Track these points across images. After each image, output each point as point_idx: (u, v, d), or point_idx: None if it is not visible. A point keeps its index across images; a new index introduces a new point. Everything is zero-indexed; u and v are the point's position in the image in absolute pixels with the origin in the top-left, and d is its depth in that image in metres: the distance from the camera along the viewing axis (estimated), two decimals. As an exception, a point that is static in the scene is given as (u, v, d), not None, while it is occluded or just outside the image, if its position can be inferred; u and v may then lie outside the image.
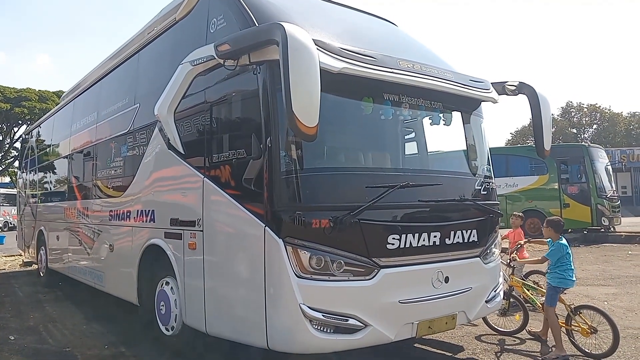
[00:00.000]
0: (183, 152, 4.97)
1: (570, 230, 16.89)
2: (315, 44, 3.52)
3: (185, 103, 4.84)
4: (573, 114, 51.79)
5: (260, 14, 4.22)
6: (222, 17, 4.60)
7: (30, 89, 40.82)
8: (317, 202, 3.94)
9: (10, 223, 30.35)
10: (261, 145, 3.92)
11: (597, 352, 5.06)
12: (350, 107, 4.33)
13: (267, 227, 3.84)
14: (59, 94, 41.44)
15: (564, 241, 5.32)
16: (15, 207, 27.99)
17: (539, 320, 5.96)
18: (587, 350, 5.13)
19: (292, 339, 3.77)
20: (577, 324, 5.25)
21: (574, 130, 50.40)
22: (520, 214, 6.92)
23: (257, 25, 4.09)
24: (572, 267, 5.30)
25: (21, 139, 16.80)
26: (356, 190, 4.07)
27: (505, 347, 5.53)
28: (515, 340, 5.77)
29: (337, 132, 4.33)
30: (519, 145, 37.57)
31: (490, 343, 5.65)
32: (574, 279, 5.29)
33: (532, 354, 5.29)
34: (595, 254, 13.44)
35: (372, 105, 4.29)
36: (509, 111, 65.64)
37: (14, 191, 31.40)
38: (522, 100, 5.23)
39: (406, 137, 5.26)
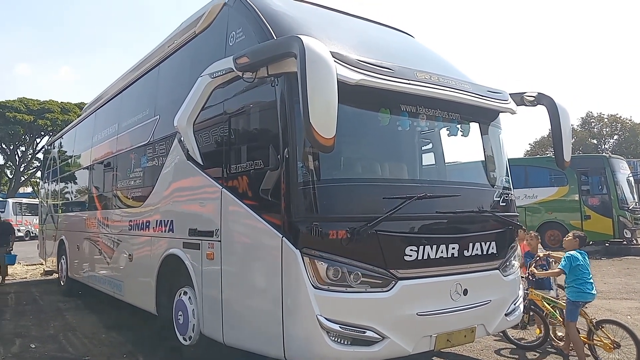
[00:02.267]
0: (202, 163, 5.02)
1: (591, 242, 16.57)
2: (333, 56, 3.54)
3: (204, 115, 4.90)
4: (593, 124, 51.03)
5: (278, 27, 4.27)
6: (240, 31, 4.67)
7: (52, 100, 41.79)
8: (335, 213, 3.94)
9: (32, 232, 30.84)
10: (279, 156, 3.95)
11: None
12: (367, 119, 4.35)
13: (284, 238, 3.85)
14: (80, 105, 42.33)
15: (574, 253, 5.23)
16: (37, 217, 28.67)
17: (560, 333, 5.87)
18: None
19: (309, 350, 3.76)
20: (599, 339, 5.15)
21: (595, 141, 49.63)
22: (537, 233, 6.69)
23: (275, 38, 4.14)
24: (591, 280, 5.20)
25: (44, 149, 17.17)
26: (373, 201, 4.07)
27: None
28: (535, 354, 5.67)
29: (354, 143, 4.34)
30: (538, 156, 37.07)
31: (509, 357, 5.56)
32: (594, 292, 5.20)
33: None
34: (617, 267, 13.16)
35: (389, 116, 4.30)
36: (528, 122, 65.06)
37: (36, 201, 32.03)
38: (541, 111, 5.18)
39: (424, 148, 5.25)
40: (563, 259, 5.25)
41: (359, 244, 3.83)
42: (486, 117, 5.00)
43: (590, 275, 5.24)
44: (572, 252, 5.26)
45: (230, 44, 4.77)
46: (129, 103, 7.64)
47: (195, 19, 5.61)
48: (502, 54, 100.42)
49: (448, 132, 4.72)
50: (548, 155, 39.37)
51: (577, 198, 16.61)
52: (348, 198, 4.05)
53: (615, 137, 50.74)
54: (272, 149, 4.02)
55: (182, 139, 5.27)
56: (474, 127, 4.91)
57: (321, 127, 3.32)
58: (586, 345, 5.21)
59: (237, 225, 4.49)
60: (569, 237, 5.46)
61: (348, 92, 3.60)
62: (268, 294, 4.03)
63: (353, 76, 3.77)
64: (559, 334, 5.86)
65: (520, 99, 5.19)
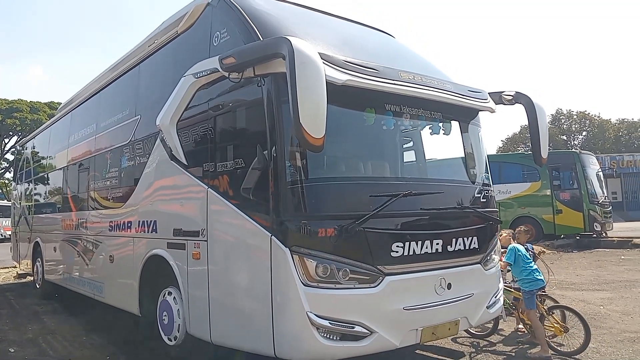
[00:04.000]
0: (186, 163, 5.01)
1: (562, 236, 17.09)
2: (320, 57, 3.60)
3: (188, 114, 4.90)
4: (563, 121, 52.42)
5: (264, 27, 4.30)
6: (225, 31, 4.68)
7: (21, 100, 40.70)
8: (323, 211, 4.01)
9: (2, 235, 29.94)
10: (266, 156, 3.99)
11: (570, 350, 5.31)
12: (352, 118, 4.42)
13: (273, 237, 3.90)
14: (51, 104, 41.38)
15: (515, 245, 5.70)
16: (7, 219, 27.83)
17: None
18: (560, 350, 5.37)
19: (299, 346, 3.82)
20: (550, 324, 5.50)
21: (564, 137, 50.99)
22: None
23: (261, 39, 4.17)
24: (535, 267, 5.58)
25: (16, 150, 16.77)
26: (360, 199, 4.15)
27: (504, 351, 5.61)
28: (502, 341, 5.94)
29: (340, 142, 4.40)
30: (510, 152, 37.88)
31: (467, 345, 5.73)
32: (541, 277, 5.54)
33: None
34: (588, 259, 13.60)
35: (374, 115, 4.38)
36: (499, 119, 66.25)
37: (5, 203, 31.11)
38: (512, 108, 5.39)
39: (406, 146, 5.36)
40: (507, 253, 5.62)
41: (347, 242, 3.91)
42: (466, 116, 5.13)
43: (533, 263, 5.64)
44: (513, 245, 5.69)
45: (215, 44, 4.77)
46: (107, 103, 7.54)
47: (177, 18, 5.59)
48: (473, 51, 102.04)
49: (430, 130, 4.83)
50: (520, 151, 40.32)
51: (549, 193, 17.06)
52: (336, 196, 4.12)
53: (584, 133, 52.21)
54: (259, 148, 4.05)
55: (164, 138, 5.24)
56: (455, 125, 5.03)
57: (311, 127, 3.38)
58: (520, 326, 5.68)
59: (223, 224, 4.51)
60: (503, 235, 5.94)
61: (334, 93, 3.65)
62: (257, 292, 4.06)
63: (340, 77, 3.83)
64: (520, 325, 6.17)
65: (498, 97, 5.34)
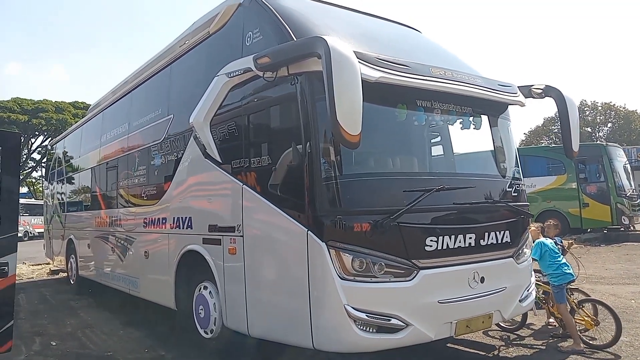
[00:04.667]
0: (220, 160, 5.14)
1: (589, 230, 16.84)
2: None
3: (221, 113, 5.03)
4: (587, 112, 51.36)
5: (297, 27, 4.39)
6: (258, 31, 4.78)
7: (47, 100, 41.48)
8: (358, 206, 4.09)
9: (31, 233, 30.71)
10: (301, 152, 4.08)
11: (602, 343, 5.31)
12: (384, 114, 4.48)
13: (309, 232, 3.99)
14: (75, 104, 42.15)
15: (542, 240, 5.64)
16: (34, 217, 28.56)
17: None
18: (592, 343, 5.37)
19: (337, 338, 3.91)
20: (581, 318, 5.50)
21: (589, 129, 49.95)
22: (556, 222, 6.84)
23: (294, 38, 4.25)
24: (564, 261, 5.56)
25: (45, 150, 17.21)
26: (394, 194, 4.22)
27: (535, 344, 5.63)
28: (533, 336, 5.95)
29: (373, 138, 4.44)
30: (532, 145, 37.33)
31: (519, 342, 5.74)
32: (570, 271, 5.51)
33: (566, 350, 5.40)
34: (617, 253, 13.40)
35: (405, 111, 4.45)
36: (522, 112, 65.23)
37: (33, 201, 31.92)
38: (535, 101, 5.39)
39: (438, 141, 5.39)
40: (533, 248, 5.56)
41: (382, 236, 3.98)
42: (497, 110, 5.15)
43: (561, 257, 5.60)
44: (540, 240, 5.63)
45: (247, 44, 4.87)
46: (139, 102, 7.72)
47: (209, 19, 5.71)
48: (495, 45, 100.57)
49: (461, 125, 4.86)
50: (544, 144, 39.70)
51: (575, 186, 16.81)
52: (370, 191, 4.20)
53: (609, 125, 51.10)
54: (294, 145, 4.14)
55: (198, 137, 5.37)
56: (486, 120, 5.05)
57: (348, 125, 3.47)
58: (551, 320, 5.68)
59: (259, 220, 4.62)
60: (531, 228, 5.83)
61: (367, 90, 3.71)
62: (294, 286, 4.16)
63: (373, 74, 3.91)
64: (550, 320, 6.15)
65: (528, 91, 5.34)
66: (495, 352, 5.47)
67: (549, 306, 5.88)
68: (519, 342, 5.77)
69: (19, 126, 38.85)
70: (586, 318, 5.48)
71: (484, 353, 5.49)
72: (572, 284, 5.72)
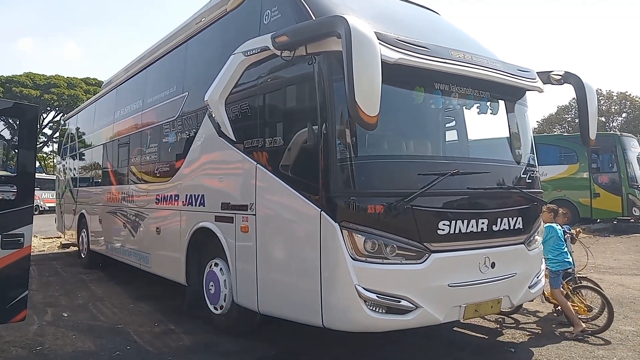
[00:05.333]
0: (234, 139, 5.14)
1: (599, 220, 16.74)
2: None
3: (237, 91, 5.01)
4: (602, 102, 50.62)
5: (316, 7, 4.34)
6: (276, 9, 4.74)
7: (59, 75, 41.67)
8: (372, 188, 4.10)
9: (41, 207, 31.00)
10: (316, 133, 4.08)
11: (594, 329, 5.37)
12: (402, 97, 4.46)
13: (323, 212, 4.00)
14: (87, 80, 42.29)
15: (553, 225, 5.75)
16: (47, 192, 28.85)
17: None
18: (586, 329, 5.40)
19: (347, 317, 3.95)
20: (575, 303, 5.56)
21: (603, 119, 49.29)
22: (565, 210, 6.88)
23: (313, 17, 4.22)
24: (565, 250, 5.72)
25: (58, 125, 17.34)
26: (408, 177, 4.22)
27: (539, 329, 5.67)
28: (532, 319, 6.05)
29: (389, 120, 4.41)
30: (545, 133, 36.97)
31: (528, 328, 5.77)
32: (570, 259, 5.69)
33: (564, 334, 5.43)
34: (626, 244, 13.34)
35: (423, 94, 4.43)
36: (535, 100, 64.46)
37: (44, 176, 32.19)
38: (549, 89, 5.34)
39: (454, 125, 5.36)
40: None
41: (395, 218, 3.99)
42: (514, 96, 5.10)
43: (565, 246, 5.74)
44: (552, 224, 5.73)
45: (265, 22, 4.84)
46: (154, 79, 7.72)
47: (226, -4, 5.66)
48: (509, 33, 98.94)
49: (478, 109, 4.81)
50: (556, 132, 39.28)
51: (586, 176, 16.67)
52: (384, 174, 4.21)
53: (624, 114, 50.40)
54: (309, 125, 4.13)
55: (212, 114, 5.37)
56: (503, 105, 5.01)
57: (366, 106, 3.45)
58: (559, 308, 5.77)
59: (272, 199, 4.64)
60: (544, 211, 5.80)
61: (385, 71, 3.67)
62: (305, 265, 4.20)
63: (392, 55, 3.87)
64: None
65: (547, 77, 5.27)
66: (500, 338, 5.50)
67: (544, 291, 5.90)
68: (512, 325, 5.84)
69: (31, 101, 39.07)
70: (579, 304, 5.57)
71: (481, 335, 5.55)
72: (580, 272, 5.77)
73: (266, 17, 4.84)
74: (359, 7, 4.64)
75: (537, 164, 5.33)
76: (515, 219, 4.70)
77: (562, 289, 5.62)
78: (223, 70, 5.00)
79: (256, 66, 4.80)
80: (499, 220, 4.57)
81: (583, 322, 5.42)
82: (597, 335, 5.29)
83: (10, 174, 5.11)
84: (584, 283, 5.89)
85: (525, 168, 5.10)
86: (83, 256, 10.80)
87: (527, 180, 5.04)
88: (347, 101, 3.54)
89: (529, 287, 4.92)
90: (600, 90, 50.20)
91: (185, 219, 6.17)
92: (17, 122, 4.51)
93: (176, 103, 6.59)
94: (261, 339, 5.34)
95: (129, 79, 8.81)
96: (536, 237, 5.07)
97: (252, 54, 4.64)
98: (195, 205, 5.93)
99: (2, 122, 5.62)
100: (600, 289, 5.87)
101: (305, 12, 4.32)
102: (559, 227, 5.83)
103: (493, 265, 4.48)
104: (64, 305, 7.10)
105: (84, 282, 8.87)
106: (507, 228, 4.64)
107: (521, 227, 4.76)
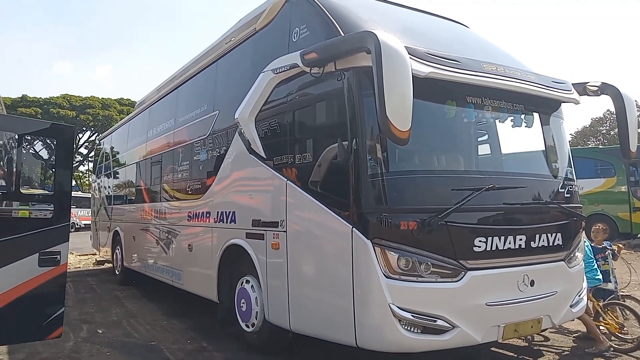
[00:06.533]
0: (264, 156, 5.16)
1: (639, 235, 16.11)
2: None
3: (266, 109, 5.05)
4: (640, 112, 49.16)
5: (345, 23, 4.35)
6: (305, 27, 4.77)
7: (94, 97, 43.12)
8: (404, 204, 4.03)
9: (77, 224, 31.83)
10: (347, 149, 4.04)
11: (625, 347, 5.23)
12: (433, 111, 4.40)
13: (354, 229, 3.95)
14: (120, 101, 43.61)
15: (587, 242, 5.66)
16: (83, 210, 29.66)
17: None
18: (617, 346, 5.27)
19: (381, 337, 3.86)
20: (605, 321, 5.41)
21: (641, 130, 47.82)
22: (605, 226, 6.67)
23: (342, 34, 4.22)
24: (595, 267, 5.63)
25: (92, 145, 17.93)
26: (442, 192, 4.13)
27: (584, 351, 5.42)
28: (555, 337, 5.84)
29: (421, 135, 4.37)
30: (580, 146, 36.06)
31: (558, 346, 5.56)
32: (599, 277, 5.58)
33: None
34: (668, 261, 12.75)
35: (455, 108, 4.35)
36: (568, 113, 62.96)
37: (80, 194, 33.10)
38: (583, 100, 5.20)
39: (488, 139, 5.26)
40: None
41: (429, 235, 3.90)
42: (549, 108, 4.98)
43: (594, 262, 5.64)
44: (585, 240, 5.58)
45: (294, 40, 4.87)
46: (185, 99, 7.86)
47: (255, 15, 5.75)
48: (544, 43, 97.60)
49: (512, 123, 4.71)
50: (591, 145, 38.27)
51: (625, 189, 16.10)
52: (417, 189, 4.13)
53: (663, 126, 48.77)
54: (339, 141, 4.10)
55: (243, 132, 5.42)
56: (538, 117, 4.89)
57: (397, 121, 3.41)
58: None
59: (303, 216, 4.61)
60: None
61: (416, 85, 3.63)
62: (338, 282, 4.13)
63: (423, 69, 3.83)
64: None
65: (583, 89, 5.14)
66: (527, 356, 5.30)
67: None
68: (543, 342, 5.67)
69: (67, 122, 40.47)
70: (611, 322, 5.39)
71: (510, 354, 5.37)
72: (623, 290, 5.54)
73: (295, 35, 4.88)
74: (386, 22, 4.64)
75: (575, 178, 5.16)
76: (554, 235, 4.55)
77: (589, 307, 5.44)
78: (253, 88, 5.06)
79: (285, 83, 4.83)
80: (538, 236, 4.43)
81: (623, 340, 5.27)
82: (630, 354, 5.12)
83: (47, 192, 5.25)
84: (627, 302, 5.64)
85: (563, 182, 4.95)
86: (117, 273, 10.98)
87: (566, 195, 4.88)
88: (378, 116, 3.51)
89: (571, 306, 4.73)
90: (638, 101, 48.78)
91: (217, 235, 6.20)
92: (54, 142, 4.64)
93: (207, 121, 6.68)
94: (294, 357, 5.27)
95: (161, 99, 9.00)
96: (577, 253, 4.89)
97: (282, 72, 4.69)
98: (227, 222, 5.95)
99: (40, 143, 5.79)
100: (630, 305, 5.59)
101: (334, 28, 4.33)
102: (588, 241, 5.67)
103: (532, 283, 4.32)
104: (98, 321, 7.19)
105: (118, 299, 9.00)
106: (546, 244, 4.49)
107: (561, 243, 4.60)
